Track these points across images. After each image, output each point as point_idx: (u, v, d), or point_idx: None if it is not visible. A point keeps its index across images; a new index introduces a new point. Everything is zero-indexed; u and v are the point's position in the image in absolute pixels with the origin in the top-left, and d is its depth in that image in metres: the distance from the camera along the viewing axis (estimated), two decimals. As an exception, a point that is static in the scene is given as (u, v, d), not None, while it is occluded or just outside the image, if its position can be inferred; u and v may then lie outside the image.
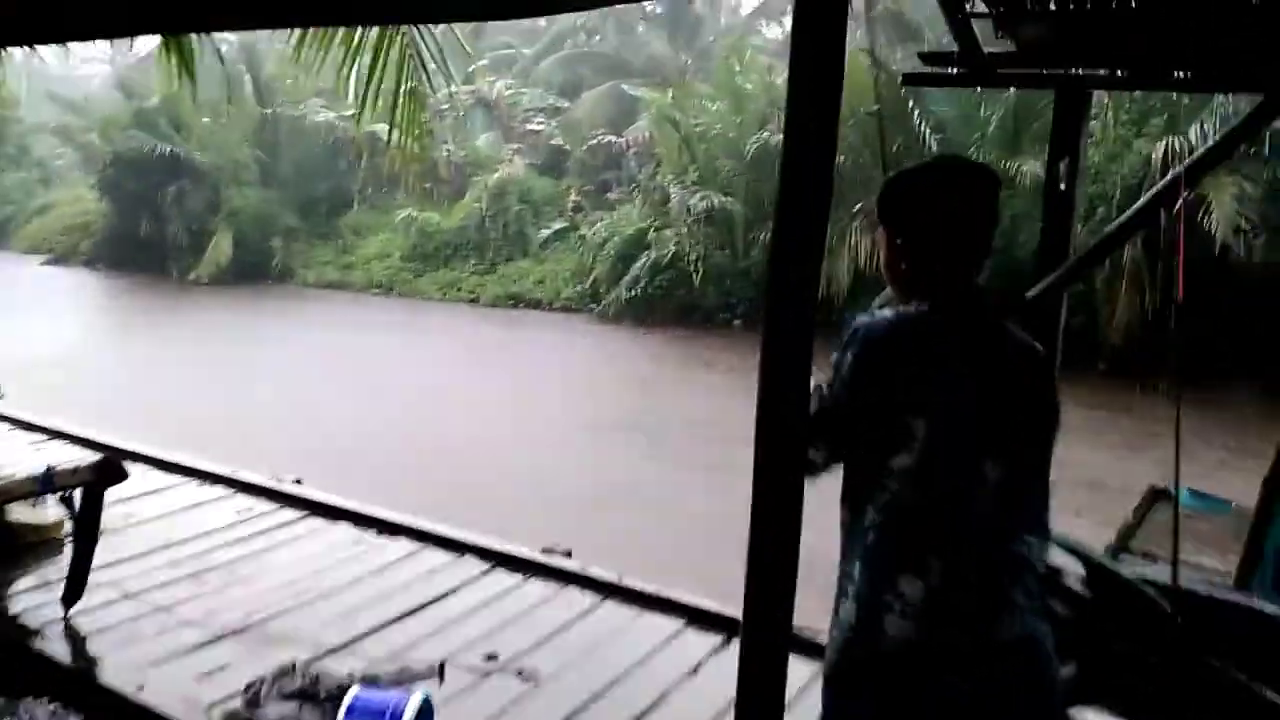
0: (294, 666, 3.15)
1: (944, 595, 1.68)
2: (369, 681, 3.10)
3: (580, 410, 11.73)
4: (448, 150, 23.13)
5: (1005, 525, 1.73)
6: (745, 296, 17.81)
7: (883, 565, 1.71)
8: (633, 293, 18.24)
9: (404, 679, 3.20)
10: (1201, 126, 12.34)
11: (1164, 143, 12.54)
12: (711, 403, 12.28)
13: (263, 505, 4.93)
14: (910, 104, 14.60)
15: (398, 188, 23.97)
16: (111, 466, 3.65)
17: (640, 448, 10.04)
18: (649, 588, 3.89)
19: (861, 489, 1.77)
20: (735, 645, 1.95)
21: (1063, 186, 2.81)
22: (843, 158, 13.21)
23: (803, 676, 2.90)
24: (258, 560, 4.29)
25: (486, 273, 21.89)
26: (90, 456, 3.95)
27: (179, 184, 23.65)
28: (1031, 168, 13.50)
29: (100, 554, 3.72)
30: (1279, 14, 2.11)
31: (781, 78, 18.84)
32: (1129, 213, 3.11)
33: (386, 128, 4.97)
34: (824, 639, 1.84)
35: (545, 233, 22.26)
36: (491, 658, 3.42)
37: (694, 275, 17.67)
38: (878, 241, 1.81)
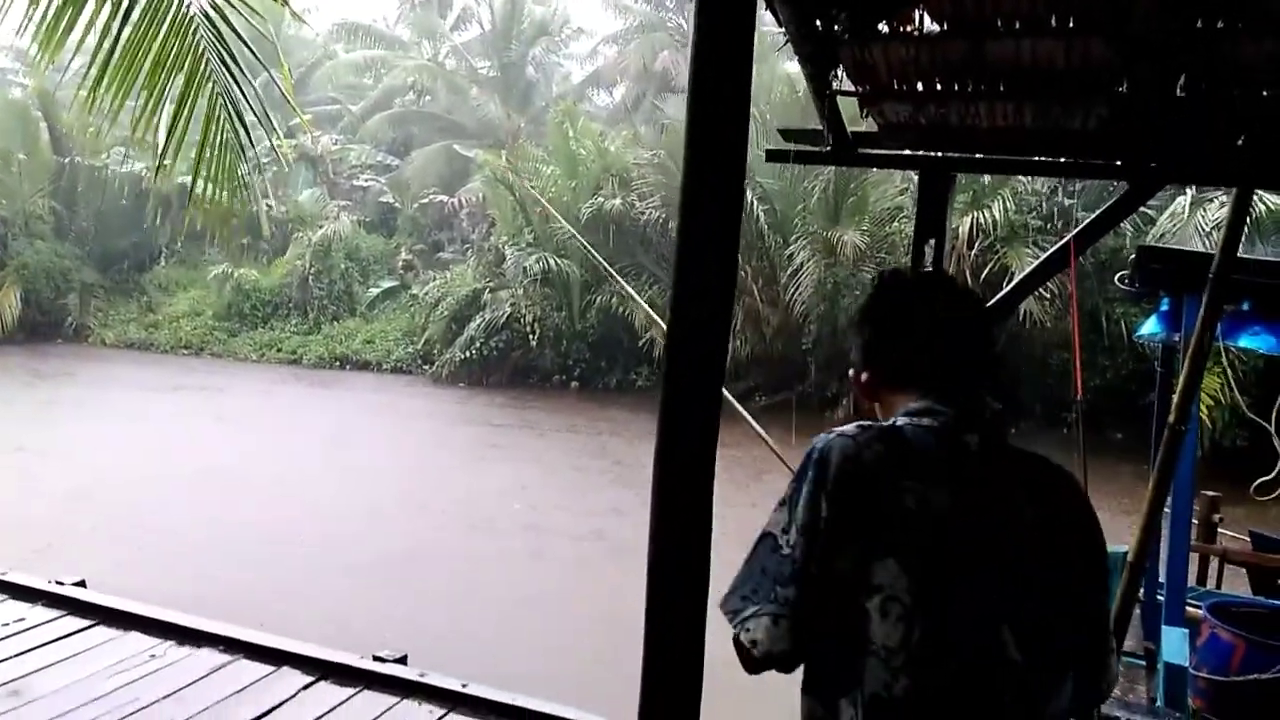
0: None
1: None
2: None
3: (390, 486, 11.03)
4: (268, 205, 22.02)
5: (1036, 701, 1.29)
6: (582, 359, 17.74)
7: None
8: (467, 354, 17.79)
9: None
10: (1003, 203, 13.34)
11: (969, 217, 13.47)
12: (536, 470, 12.04)
13: (39, 613, 4.25)
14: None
15: (211, 243, 22.59)
16: None
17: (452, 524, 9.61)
18: (498, 696, 3.55)
19: (831, 675, 1.30)
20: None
21: (930, 267, 2.80)
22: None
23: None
24: (30, 683, 3.65)
25: (310, 333, 20.88)
26: None
27: (-42, 237, 21.50)
28: (851, 238, 14.26)
29: None
30: (1141, 104, 2.14)
31: (614, 145, 19.13)
32: (1009, 287, 3.18)
33: (198, 180, 4.48)
34: None
35: (374, 291, 21.56)
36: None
37: (530, 337, 17.49)
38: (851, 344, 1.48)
